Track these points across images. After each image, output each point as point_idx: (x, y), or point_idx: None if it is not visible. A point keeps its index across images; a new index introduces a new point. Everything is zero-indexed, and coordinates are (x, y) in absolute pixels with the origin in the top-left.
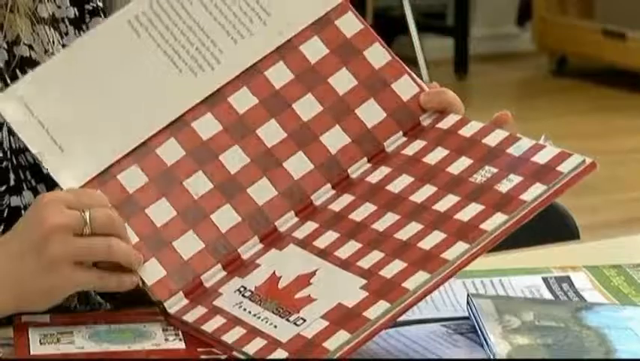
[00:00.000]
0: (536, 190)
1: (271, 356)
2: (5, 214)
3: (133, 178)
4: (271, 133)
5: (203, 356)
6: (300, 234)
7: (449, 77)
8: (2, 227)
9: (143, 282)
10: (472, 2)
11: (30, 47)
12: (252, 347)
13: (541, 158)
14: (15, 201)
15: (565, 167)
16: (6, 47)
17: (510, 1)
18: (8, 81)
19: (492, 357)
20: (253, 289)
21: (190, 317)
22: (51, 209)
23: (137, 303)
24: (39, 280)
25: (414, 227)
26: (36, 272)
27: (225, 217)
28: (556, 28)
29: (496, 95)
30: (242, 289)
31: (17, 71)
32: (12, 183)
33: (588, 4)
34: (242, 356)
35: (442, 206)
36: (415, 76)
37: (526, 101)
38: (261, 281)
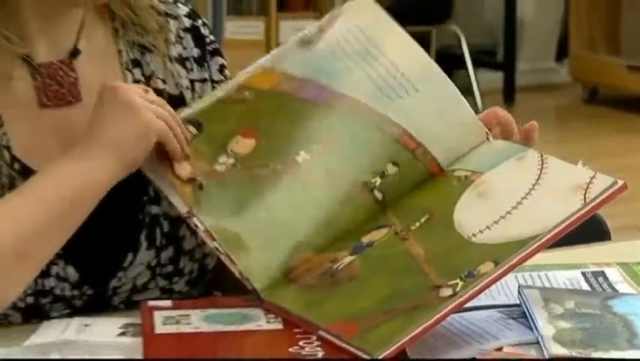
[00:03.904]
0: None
1: None
2: (147, 220)
3: None
4: None
5: (298, 336)
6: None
7: (499, 104)
8: (145, 232)
9: (241, 273)
10: (518, 41)
11: (163, 80)
12: None
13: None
14: (155, 209)
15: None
16: (144, 80)
17: (550, 41)
18: None
19: (540, 338)
20: None
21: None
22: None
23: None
24: (128, 128)
25: None
26: (124, 123)
27: None
28: (588, 64)
29: (538, 120)
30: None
31: None
32: (152, 194)
33: (615, 44)
34: (326, 335)
35: None
36: None
37: (564, 125)
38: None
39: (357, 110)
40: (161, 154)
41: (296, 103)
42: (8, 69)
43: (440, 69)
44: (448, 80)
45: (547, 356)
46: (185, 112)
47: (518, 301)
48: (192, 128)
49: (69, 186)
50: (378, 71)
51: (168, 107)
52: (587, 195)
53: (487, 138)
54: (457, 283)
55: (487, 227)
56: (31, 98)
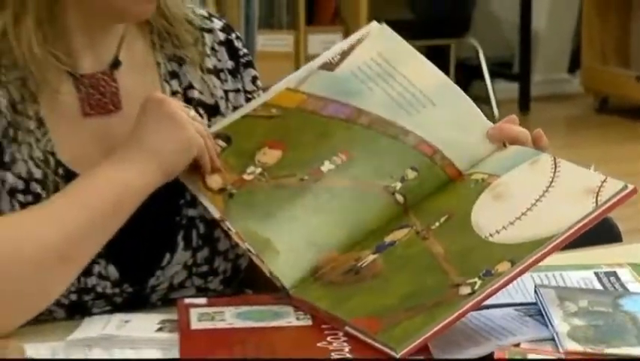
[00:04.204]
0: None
1: None
2: (184, 222)
3: None
4: None
5: (326, 332)
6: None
7: (515, 113)
8: (182, 233)
9: (271, 272)
10: (533, 54)
11: (200, 91)
12: None
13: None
14: (191, 212)
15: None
16: (182, 91)
17: (563, 53)
18: None
19: (555, 335)
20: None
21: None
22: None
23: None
24: (171, 139)
25: None
26: (167, 133)
27: None
28: (599, 75)
29: (552, 128)
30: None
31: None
32: (188, 197)
33: (625, 56)
34: (352, 331)
35: None
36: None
37: (576, 133)
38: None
39: (378, 123)
40: (193, 166)
41: (321, 119)
42: (56, 84)
43: (456, 86)
44: (464, 95)
45: (562, 352)
46: (215, 126)
47: (534, 300)
48: (221, 142)
49: (111, 190)
50: (397, 89)
51: (204, 123)
52: (598, 199)
53: (504, 145)
54: (476, 282)
55: (504, 227)
56: (76, 108)
